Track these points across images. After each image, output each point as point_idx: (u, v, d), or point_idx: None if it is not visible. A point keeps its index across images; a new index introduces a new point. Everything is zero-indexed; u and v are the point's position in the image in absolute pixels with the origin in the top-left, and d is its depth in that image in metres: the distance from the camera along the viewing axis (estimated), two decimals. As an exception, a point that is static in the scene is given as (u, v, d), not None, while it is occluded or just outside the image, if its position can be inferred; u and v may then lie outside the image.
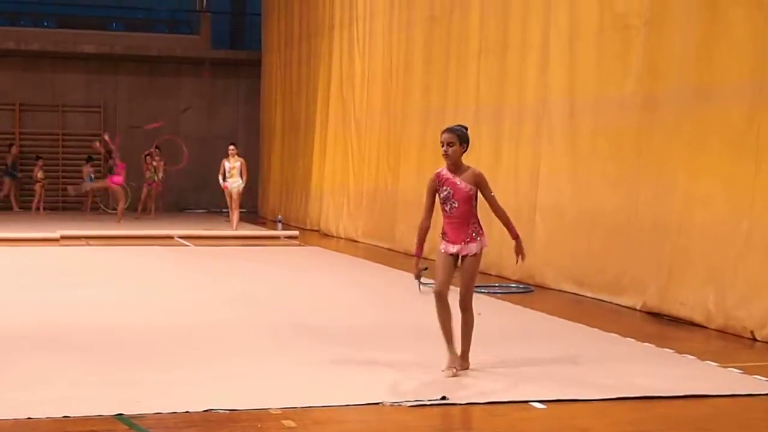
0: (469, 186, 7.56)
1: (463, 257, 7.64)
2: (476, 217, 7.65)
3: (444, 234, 7.69)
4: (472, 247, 7.59)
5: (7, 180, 27.39)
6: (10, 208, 27.19)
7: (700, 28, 10.17)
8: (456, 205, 7.57)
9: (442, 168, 7.69)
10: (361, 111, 20.09)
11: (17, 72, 28.60)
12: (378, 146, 19.08)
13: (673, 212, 10.49)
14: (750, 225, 9.39)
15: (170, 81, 29.69)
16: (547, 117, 13.16)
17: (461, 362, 7.63)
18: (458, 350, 7.67)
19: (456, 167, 7.62)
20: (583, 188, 12.35)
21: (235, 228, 21.09)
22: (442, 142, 7.64)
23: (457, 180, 7.57)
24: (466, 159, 7.77)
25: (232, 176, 21.03)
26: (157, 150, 27.47)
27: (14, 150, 27.62)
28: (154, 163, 26.06)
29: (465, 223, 7.59)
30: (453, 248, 7.63)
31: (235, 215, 21.28)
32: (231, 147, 21.25)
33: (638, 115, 11.27)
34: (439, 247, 7.74)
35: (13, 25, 29.26)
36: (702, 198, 10.03)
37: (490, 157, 14.57)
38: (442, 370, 7.48)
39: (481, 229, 7.66)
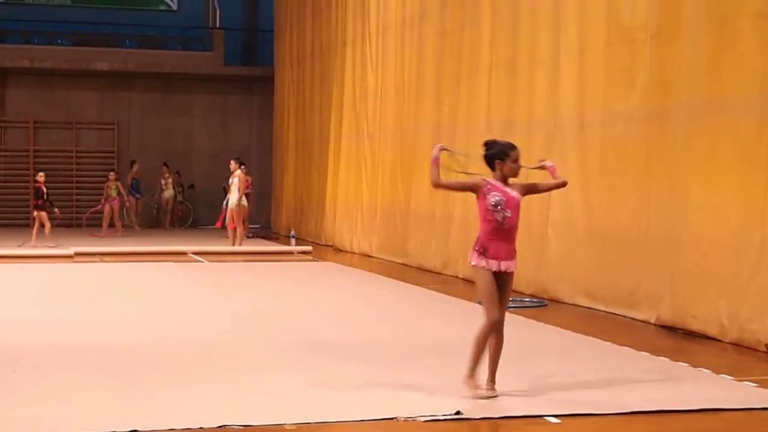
0: (518, 195, 7.35)
1: (507, 274, 7.30)
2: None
3: (484, 250, 7.25)
4: (514, 264, 7.32)
5: (131, 199, 27.33)
6: (132, 227, 27.11)
7: (708, 40, 10.17)
8: (509, 215, 7.25)
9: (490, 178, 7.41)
10: (374, 126, 20.14)
11: (31, 90, 28.78)
12: (391, 161, 19.11)
13: (684, 225, 10.46)
14: (762, 237, 9.36)
15: (183, 97, 29.82)
16: (557, 131, 13.17)
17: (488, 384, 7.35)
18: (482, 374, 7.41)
19: (505, 181, 7.39)
20: (594, 202, 12.34)
21: (237, 244, 20.90)
22: (516, 158, 7.39)
23: (508, 189, 7.33)
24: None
25: (231, 192, 20.93)
26: (166, 167, 27.71)
27: (135, 168, 27.55)
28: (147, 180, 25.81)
29: (513, 236, 7.31)
30: (498, 265, 7.23)
31: (231, 233, 20.99)
32: (231, 162, 21.17)
33: (647, 129, 11.28)
34: (477, 262, 7.26)
35: (27, 44, 29.47)
36: (713, 211, 10.00)
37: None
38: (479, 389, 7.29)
39: None
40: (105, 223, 24.68)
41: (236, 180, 20.76)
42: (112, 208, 24.90)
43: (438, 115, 16.95)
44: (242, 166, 21.53)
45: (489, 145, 7.50)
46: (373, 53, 20.29)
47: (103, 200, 25.13)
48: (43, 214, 21.16)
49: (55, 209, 22.18)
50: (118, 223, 24.93)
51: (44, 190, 21.42)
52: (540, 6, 13.64)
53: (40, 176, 21.77)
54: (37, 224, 21.19)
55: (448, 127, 16.47)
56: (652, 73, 11.20)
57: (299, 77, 26.00)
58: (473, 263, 7.32)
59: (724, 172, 9.90)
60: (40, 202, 21.18)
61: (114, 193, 24.92)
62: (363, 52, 20.82)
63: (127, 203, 26.87)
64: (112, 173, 25.49)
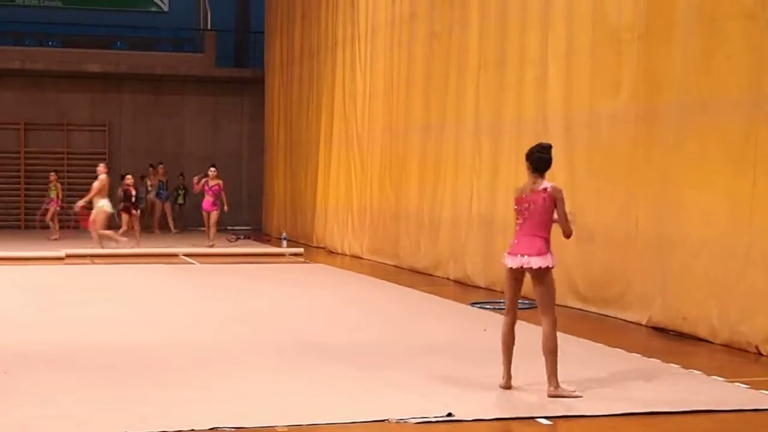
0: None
1: None
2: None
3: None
4: None
5: (158, 202, 26.84)
6: (168, 229, 26.72)
7: (696, 41, 10.20)
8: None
9: None
10: (363, 128, 20.15)
11: (22, 91, 28.70)
12: (380, 162, 19.11)
13: (674, 226, 10.48)
14: (750, 238, 9.39)
15: (175, 99, 29.78)
16: (545, 131, 13.18)
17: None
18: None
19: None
20: (583, 203, 12.34)
21: (100, 246, 20.49)
22: None
23: None
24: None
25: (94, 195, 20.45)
26: (151, 168, 27.42)
27: (160, 170, 27.07)
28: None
29: None
30: None
31: (95, 234, 20.64)
32: (100, 165, 20.98)
33: (635, 129, 11.30)
34: (555, 263, 7.70)
35: (18, 45, 29.39)
36: (702, 212, 10.03)
37: (490, 172, 14.60)
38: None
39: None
40: (51, 224, 24.12)
41: (96, 183, 20.37)
42: (48, 210, 24.14)
43: (427, 116, 16.96)
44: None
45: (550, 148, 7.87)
46: (362, 55, 20.29)
47: (46, 201, 24.71)
48: (134, 216, 21.14)
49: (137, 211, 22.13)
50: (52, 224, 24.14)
51: (132, 192, 21.28)
52: (528, 7, 13.67)
53: (129, 178, 21.52)
54: (125, 226, 21.08)
55: (436, 128, 16.49)
56: (639, 74, 11.24)
57: (289, 79, 25.99)
58: (553, 265, 7.58)
59: (713, 173, 9.92)
60: (128, 204, 21.14)
61: (52, 195, 24.25)
62: (352, 54, 20.81)
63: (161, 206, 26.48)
64: (52, 174, 24.79)
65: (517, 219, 7.65)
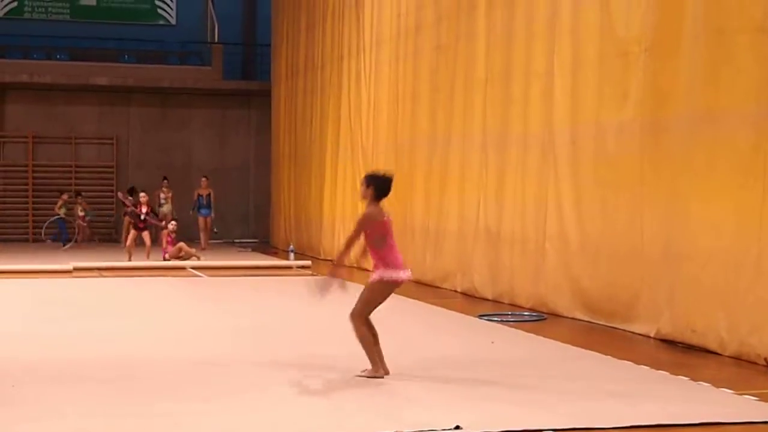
0: None
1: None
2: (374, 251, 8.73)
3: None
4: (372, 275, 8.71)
5: (200, 217, 25.74)
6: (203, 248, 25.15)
7: (704, 54, 10.18)
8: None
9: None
10: (369, 140, 20.15)
11: (30, 105, 28.80)
12: (385, 175, 19.10)
13: (682, 238, 10.46)
14: (759, 250, 9.36)
15: (182, 112, 29.85)
16: (552, 144, 13.18)
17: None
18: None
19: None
20: (591, 215, 12.34)
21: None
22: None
23: None
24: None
25: None
26: (166, 181, 27.29)
27: (203, 182, 26.02)
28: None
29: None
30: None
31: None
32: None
33: (642, 141, 11.28)
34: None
35: (26, 58, 29.51)
36: (710, 224, 10.00)
37: (496, 185, 14.59)
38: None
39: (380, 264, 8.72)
40: None
41: None
42: None
43: (433, 129, 16.96)
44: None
45: None
46: (367, 67, 20.32)
47: None
48: (145, 232, 21.37)
49: (162, 222, 22.15)
50: None
51: (142, 209, 21.36)
52: (535, 20, 13.68)
53: (143, 197, 21.67)
54: (148, 242, 21.27)
55: (442, 141, 16.49)
56: (646, 86, 11.23)
57: (295, 91, 26.03)
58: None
59: (721, 185, 9.90)
60: (141, 224, 21.30)
61: None
62: (358, 66, 20.85)
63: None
64: None
65: (389, 239, 8.69)
